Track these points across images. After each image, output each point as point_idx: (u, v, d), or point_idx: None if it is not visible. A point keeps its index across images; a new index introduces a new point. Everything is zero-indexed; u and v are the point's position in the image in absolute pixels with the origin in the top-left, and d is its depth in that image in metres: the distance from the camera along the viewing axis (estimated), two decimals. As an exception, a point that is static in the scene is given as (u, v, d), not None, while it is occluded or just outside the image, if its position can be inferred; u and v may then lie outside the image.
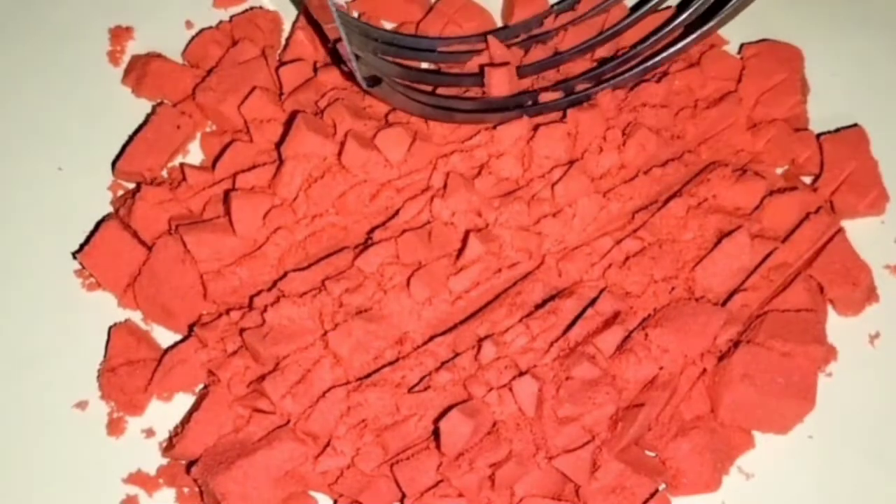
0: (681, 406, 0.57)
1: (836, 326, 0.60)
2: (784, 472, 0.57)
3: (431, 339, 0.57)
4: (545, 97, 0.62)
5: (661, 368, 0.56)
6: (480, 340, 0.56)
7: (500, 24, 0.70)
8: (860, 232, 0.63)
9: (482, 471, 0.53)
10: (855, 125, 0.65)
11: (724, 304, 0.59)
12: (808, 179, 0.65)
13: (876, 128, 0.65)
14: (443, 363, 0.56)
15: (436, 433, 0.54)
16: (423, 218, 0.59)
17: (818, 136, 0.65)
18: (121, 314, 0.61)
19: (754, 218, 0.61)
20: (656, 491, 0.55)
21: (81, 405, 0.58)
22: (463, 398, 0.55)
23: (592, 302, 0.57)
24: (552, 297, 0.58)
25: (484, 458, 0.53)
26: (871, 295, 0.61)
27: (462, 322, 0.57)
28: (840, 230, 0.61)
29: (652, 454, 0.57)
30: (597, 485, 0.54)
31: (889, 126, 0.65)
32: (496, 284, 0.59)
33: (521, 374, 0.55)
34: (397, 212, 0.60)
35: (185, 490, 0.56)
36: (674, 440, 0.56)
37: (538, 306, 0.57)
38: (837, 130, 0.65)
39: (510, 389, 0.54)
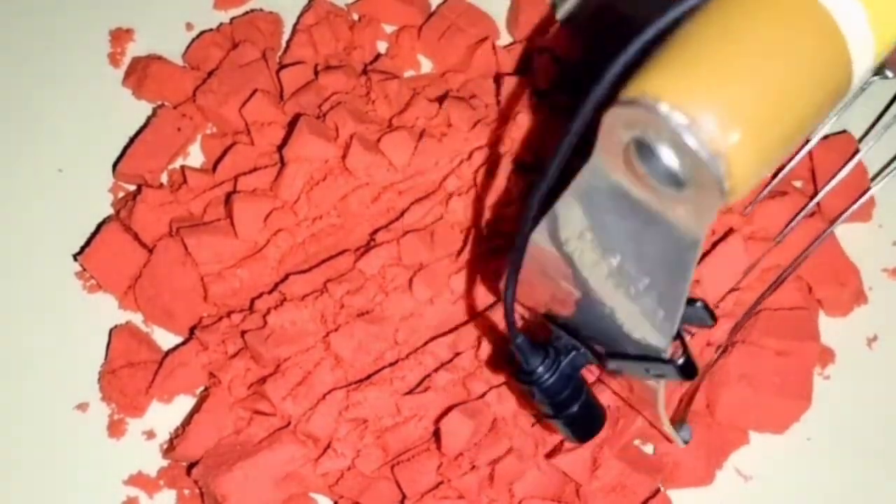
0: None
1: (835, 329, 0.60)
2: (782, 474, 0.57)
3: (433, 339, 0.56)
4: None
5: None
6: (480, 337, 0.55)
7: (503, 30, 0.69)
8: (857, 235, 0.63)
9: (482, 471, 0.53)
10: (843, 132, 0.65)
11: (718, 304, 0.58)
12: (798, 184, 0.65)
13: (864, 134, 0.65)
14: (443, 364, 0.55)
15: (436, 434, 0.53)
16: (428, 220, 0.59)
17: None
18: (121, 316, 0.60)
19: (745, 220, 0.61)
20: (658, 490, 0.54)
21: (82, 407, 0.58)
22: (463, 398, 0.54)
23: None
24: None
25: (484, 455, 0.53)
26: (859, 297, 0.61)
27: (463, 323, 0.57)
28: (830, 233, 0.61)
29: (648, 449, 0.56)
30: (597, 484, 0.53)
31: (878, 133, 0.64)
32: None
33: None
34: (402, 214, 0.60)
35: (186, 492, 0.55)
36: None
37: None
38: (826, 137, 0.64)
39: (510, 387, 0.54)
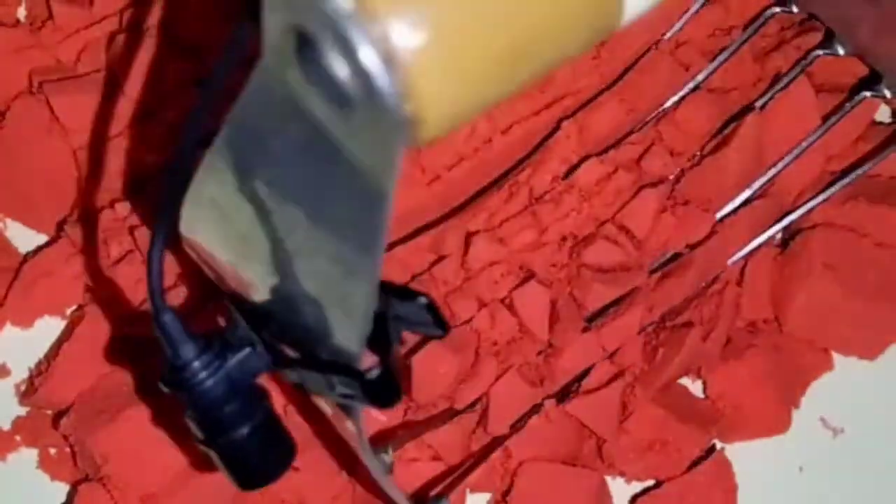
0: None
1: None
2: (882, 424, 0.49)
3: (403, 240, 0.50)
4: None
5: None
6: (470, 236, 0.48)
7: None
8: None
9: (466, 420, 0.46)
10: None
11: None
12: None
13: None
14: (414, 276, 0.48)
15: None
16: None
17: None
18: (-38, 207, 0.54)
19: None
20: (713, 448, 0.47)
21: None
22: None
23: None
24: (571, 170, 0.49)
25: (466, 396, 0.46)
26: None
27: (445, 216, 0.50)
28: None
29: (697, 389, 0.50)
30: (627, 439, 0.47)
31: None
32: (484, 158, 0.51)
33: (526, 279, 0.48)
34: None
35: (52, 451, 0.49)
36: (724, 364, 0.49)
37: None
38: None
39: (510, 304, 0.47)
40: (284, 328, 0.36)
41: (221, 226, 0.34)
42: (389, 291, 0.33)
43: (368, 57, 0.24)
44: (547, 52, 0.26)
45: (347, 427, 0.37)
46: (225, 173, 0.32)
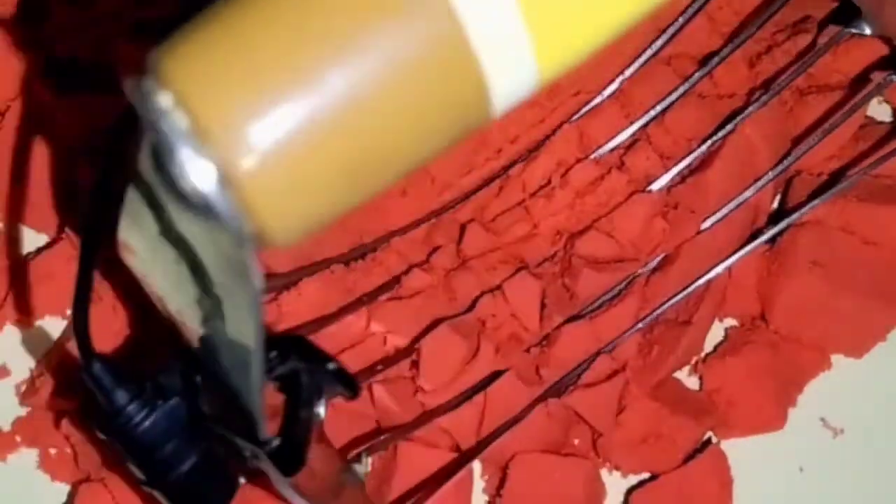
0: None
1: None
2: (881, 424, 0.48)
3: (398, 232, 0.49)
4: None
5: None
6: (464, 225, 0.48)
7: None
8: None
9: (475, 406, 0.45)
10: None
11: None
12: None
13: None
14: (412, 266, 0.48)
15: (414, 358, 0.45)
16: None
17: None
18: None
19: None
20: (709, 441, 0.46)
21: None
22: (444, 310, 0.47)
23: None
24: (567, 171, 0.49)
25: (465, 381, 0.45)
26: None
27: (437, 211, 0.49)
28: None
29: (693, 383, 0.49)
30: (622, 432, 0.46)
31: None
32: (493, 168, 0.50)
33: (518, 270, 0.47)
34: None
35: (52, 451, 0.48)
36: (720, 360, 0.48)
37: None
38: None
39: (502, 294, 0.47)
40: (210, 377, 0.35)
41: (151, 253, 0.31)
42: (301, 355, 0.33)
43: (202, 178, 0.23)
44: (407, 157, 0.25)
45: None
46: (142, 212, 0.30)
